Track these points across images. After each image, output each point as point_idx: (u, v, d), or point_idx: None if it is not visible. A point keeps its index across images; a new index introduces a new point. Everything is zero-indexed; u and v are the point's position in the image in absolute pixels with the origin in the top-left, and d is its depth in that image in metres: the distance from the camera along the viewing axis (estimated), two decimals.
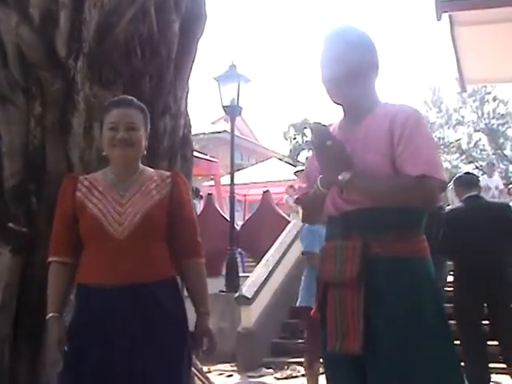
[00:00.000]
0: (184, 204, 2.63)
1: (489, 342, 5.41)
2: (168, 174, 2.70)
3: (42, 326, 3.62)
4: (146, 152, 2.65)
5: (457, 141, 36.20)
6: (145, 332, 2.42)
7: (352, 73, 2.21)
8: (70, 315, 2.57)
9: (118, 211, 2.50)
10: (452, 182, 5.90)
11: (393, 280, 2.08)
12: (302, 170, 11.82)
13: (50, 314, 2.53)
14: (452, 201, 8.97)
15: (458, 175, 5.97)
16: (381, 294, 2.08)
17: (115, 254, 2.45)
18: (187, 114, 4.64)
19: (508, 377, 5.50)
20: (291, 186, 13.81)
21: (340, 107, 2.34)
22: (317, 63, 2.31)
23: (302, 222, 4.23)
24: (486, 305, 5.25)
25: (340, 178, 2.13)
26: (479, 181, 5.87)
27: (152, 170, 2.70)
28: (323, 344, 2.24)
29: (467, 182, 5.54)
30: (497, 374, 5.91)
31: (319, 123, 2.24)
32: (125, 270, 2.43)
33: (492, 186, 11.74)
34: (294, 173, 13.35)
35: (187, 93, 4.57)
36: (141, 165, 2.66)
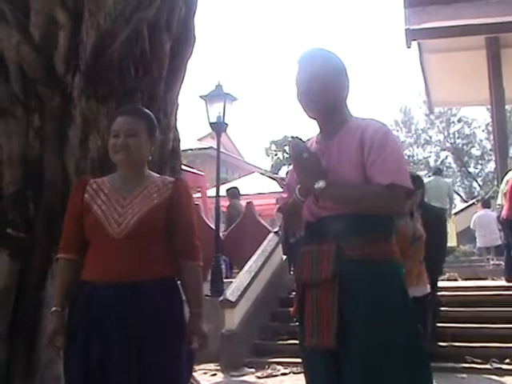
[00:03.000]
0: (183, 208, 2.58)
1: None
2: (171, 179, 2.67)
3: (36, 328, 3.58)
4: (151, 157, 2.64)
5: (425, 158, 36.54)
6: (141, 330, 2.36)
7: (325, 89, 2.26)
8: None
9: (118, 212, 2.48)
10: None
11: (364, 280, 2.11)
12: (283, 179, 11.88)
13: (53, 308, 2.48)
14: None
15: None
16: (353, 293, 2.10)
17: (113, 253, 2.42)
18: (176, 129, 4.63)
19: None
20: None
21: (315, 122, 2.38)
22: (293, 83, 2.35)
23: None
24: None
25: (316, 186, 2.17)
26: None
27: (158, 175, 2.68)
28: (301, 340, 2.25)
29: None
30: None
31: (297, 137, 2.30)
32: (121, 269, 2.40)
33: None
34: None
35: (177, 108, 4.57)
36: (147, 170, 2.63)
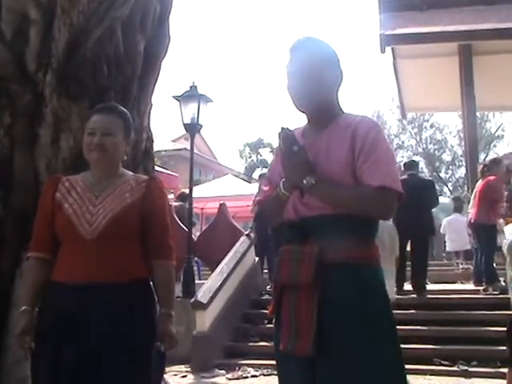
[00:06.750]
0: (156, 207, 2.53)
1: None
2: (145, 177, 2.63)
3: (3, 328, 3.52)
4: (126, 157, 2.60)
5: (397, 163, 36.89)
6: (112, 332, 2.32)
7: (318, 83, 2.18)
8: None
9: (90, 212, 2.44)
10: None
11: (345, 285, 2.05)
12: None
13: (23, 308, 2.42)
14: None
15: (406, 160, 9.88)
16: (333, 298, 2.04)
17: (85, 254, 2.38)
18: (149, 129, 4.61)
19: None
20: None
21: (304, 115, 2.29)
22: (283, 72, 2.25)
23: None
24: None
25: (304, 182, 2.09)
26: (417, 165, 9.01)
27: (131, 173, 2.63)
28: (276, 343, 2.18)
29: (409, 165, 8.64)
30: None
31: (287, 129, 2.20)
32: (93, 270, 2.35)
33: None
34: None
35: (150, 109, 4.54)
36: (121, 169, 2.59)
